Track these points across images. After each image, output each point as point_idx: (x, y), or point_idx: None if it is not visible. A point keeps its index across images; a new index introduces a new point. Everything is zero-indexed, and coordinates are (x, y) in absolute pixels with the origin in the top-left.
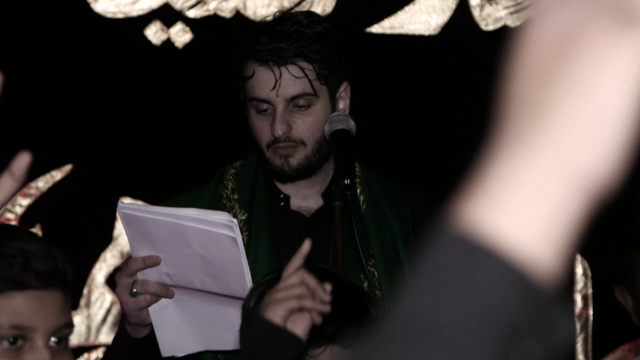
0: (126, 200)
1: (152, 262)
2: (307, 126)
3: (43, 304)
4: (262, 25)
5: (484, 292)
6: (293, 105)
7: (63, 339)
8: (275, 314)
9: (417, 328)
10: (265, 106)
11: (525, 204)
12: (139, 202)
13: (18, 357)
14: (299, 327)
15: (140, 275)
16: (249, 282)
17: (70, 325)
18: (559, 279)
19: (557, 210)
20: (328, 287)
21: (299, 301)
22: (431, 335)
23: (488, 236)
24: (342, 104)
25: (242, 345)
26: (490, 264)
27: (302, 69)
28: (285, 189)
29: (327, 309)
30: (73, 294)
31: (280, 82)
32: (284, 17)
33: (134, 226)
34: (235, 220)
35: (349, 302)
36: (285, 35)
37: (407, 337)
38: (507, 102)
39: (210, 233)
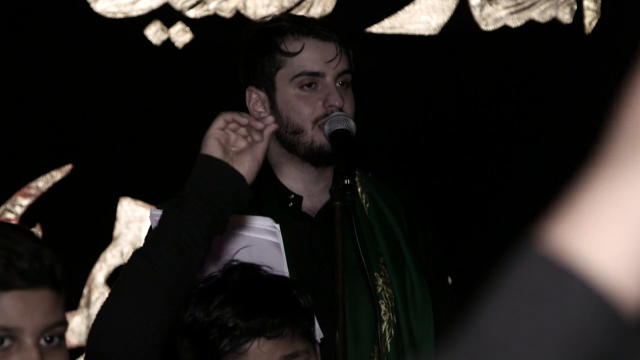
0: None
1: None
2: (351, 104)
3: (29, 303)
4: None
5: (566, 317)
6: (337, 82)
7: (55, 337)
8: (210, 148)
9: (493, 348)
10: (313, 80)
11: (615, 231)
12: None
13: (6, 357)
14: (242, 165)
15: None
16: None
17: (62, 324)
18: None
19: None
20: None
21: (227, 134)
22: (507, 357)
23: (575, 260)
24: None
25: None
26: (575, 289)
27: (347, 47)
28: (295, 186)
29: (260, 127)
30: (71, 293)
31: (340, 55)
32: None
33: None
34: (278, 226)
35: (271, 294)
36: (319, 20)
37: (482, 356)
38: (618, 125)
39: (251, 239)
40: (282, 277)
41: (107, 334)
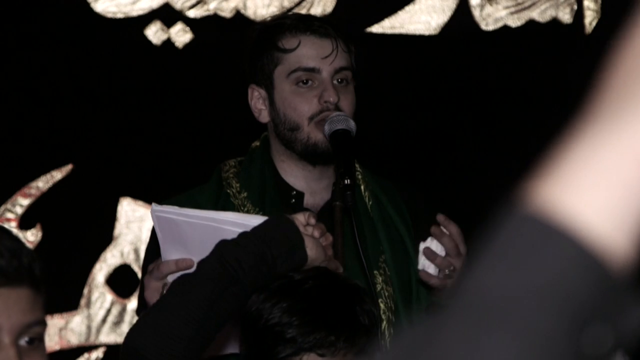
0: (158, 205)
1: (185, 265)
2: (349, 101)
3: (6, 301)
4: (284, 14)
5: (555, 272)
6: (335, 79)
7: (35, 340)
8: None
9: (484, 305)
10: (309, 77)
11: (601, 187)
12: (174, 207)
13: None
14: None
15: (170, 279)
16: None
17: (40, 323)
18: (630, 265)
19: (633, 196)
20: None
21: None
22: (498, 313)
23: (562, 217)
24: None
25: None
26: (563, 244)
27: (347, 44)
28: (297, 183)
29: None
30: (71, 293)
31: (336, 51)
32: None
33: (166, 229)
34: None
35: (333, 311)
36: (319, 18)
37: (474, 313)
38: (602, 88)
39: None
40: (351, 290)
41: (142, 330)
